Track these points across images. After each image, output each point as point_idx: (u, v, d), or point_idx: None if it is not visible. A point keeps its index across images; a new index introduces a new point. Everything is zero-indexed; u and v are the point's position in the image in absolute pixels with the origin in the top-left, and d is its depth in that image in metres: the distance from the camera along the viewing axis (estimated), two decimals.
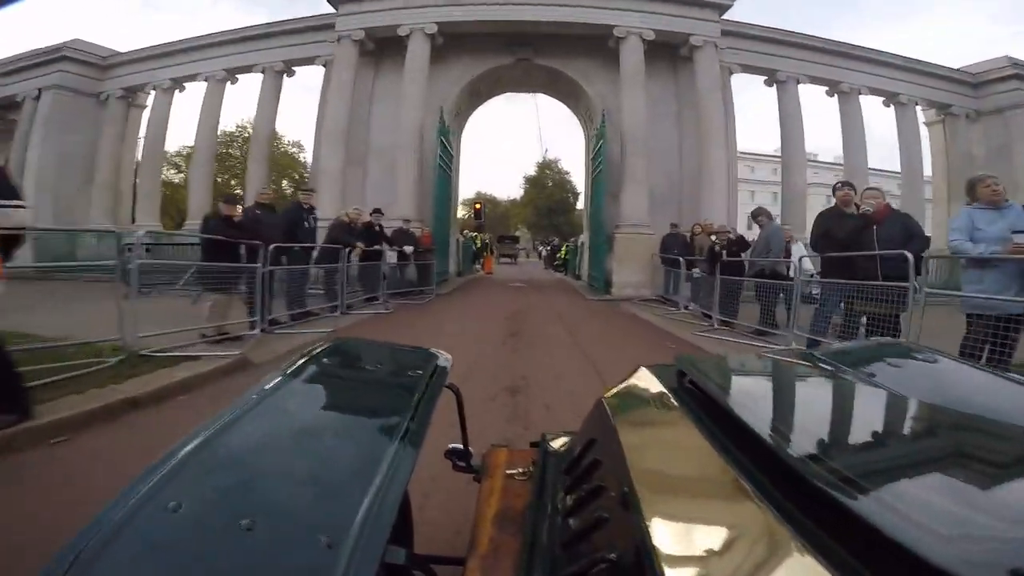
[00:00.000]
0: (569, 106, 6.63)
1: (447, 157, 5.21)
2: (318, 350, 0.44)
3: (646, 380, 0.40)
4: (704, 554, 0.20)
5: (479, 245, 9.85)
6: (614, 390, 0.41)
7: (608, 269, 4.74)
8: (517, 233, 21.33)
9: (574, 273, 7.29)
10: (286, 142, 11.45)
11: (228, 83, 6.45)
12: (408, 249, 3.89)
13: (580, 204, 19.81)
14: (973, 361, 0.56)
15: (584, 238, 6.73)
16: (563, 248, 9.91)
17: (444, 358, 0.48)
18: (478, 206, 11.77)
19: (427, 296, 4.02)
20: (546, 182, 20.95)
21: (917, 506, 0.18)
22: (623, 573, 0.22)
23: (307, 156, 9.85)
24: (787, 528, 0.18)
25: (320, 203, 4.49)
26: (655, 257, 4.36)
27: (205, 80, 6.40)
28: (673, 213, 4.99)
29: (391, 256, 3.71)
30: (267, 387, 0.36)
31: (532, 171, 21.07)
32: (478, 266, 9.77)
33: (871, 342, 0.79)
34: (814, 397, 0.38)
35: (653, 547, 0.20)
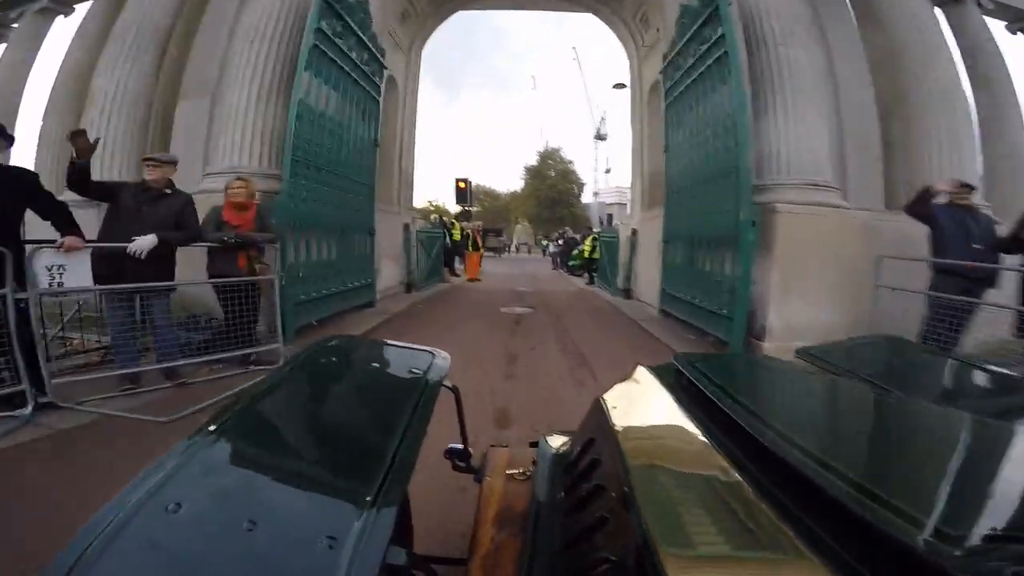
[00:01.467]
0: (605, 15, 7.31)
1: (362, 57, 4.75)
2: (317, 349, 0.78)
3: (644, 379, 0.75)
4: (704, 552, 0.41)
5: (457, 238, 10.76)
6: (612, 390, 0.76)
7: (753, 291, 3.52)
8: (518, 226, 32.14)
9: (618, 285, 7.60)
10: None
11: (60, 16, 7.34)
12: (139, 245, 2.43)
13: (585, 197, 31.66)
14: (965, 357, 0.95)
15: (637, 223, 7.15)
16: (587, 241, 10.84)
17: (443, 357, 0.83)
18: (462, 184, 13.30)
19: (254, 374, 2.75)
20: (548, 172, 33.70)
21: (917, 504, 0.36)
22: (624, 573, 0.44)
23: None
24: (785, 526, 0.37)
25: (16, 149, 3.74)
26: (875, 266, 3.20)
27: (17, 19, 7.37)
28: (854, 170, 4.41)
29: (50, 270, 2.26)
30: (267, 386, 0.67)
31: (533, 161, 33.97)
32: (460, 267, 10.82)
33: (866, 338, 1.21)
34: (810, 395, 0.72)
35: (653, 546, 0.39)
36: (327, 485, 0.55)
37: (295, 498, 0.51)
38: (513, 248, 31.56)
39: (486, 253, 14.72)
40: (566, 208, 31.88)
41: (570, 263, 13.45)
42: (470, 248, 10.80)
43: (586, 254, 11.00)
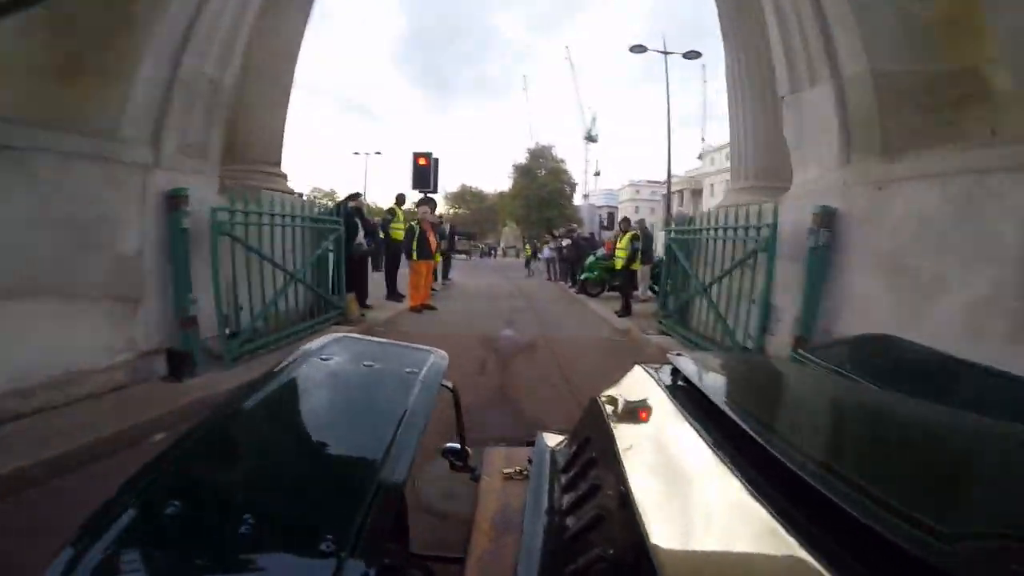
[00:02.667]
0: None
1: None
2: (315, 347, 1.30)
3: (640, 379, 1.28)
4: (700, 551, 0.74)
5: (399, 236, 11.34)
6: (609, 389, 1.29)
7: None
8: (505, 228, 45.27)
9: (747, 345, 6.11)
10: None
11: None
12: None
13: (577, 198, 59.32)
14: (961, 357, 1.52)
15: (841, 190, 5.19)
16: (623, 241, 11.40)
17: (441, 356, 1.38)
18: (423, 161, 15.64)
19: None
20: (538, 171, 52.21)
21: (912, 503, 0.64)
22: (621, 571, 0.80)
23: None
24: (781, 525, 0.64)
25: None
26: None
27: None
28: None
29: None
30: (263, 385, 1.17)
31: (523, 159, 52.82)
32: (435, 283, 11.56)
33: (863, 338, 1.83)
34: (808, 394, 1.24)
35: (650, 544, 0.72)
36: (324, 483, 0.94)
37: (292, 497, 0.89)
38: (500, 252, 45.33)
39: (459, 257, 15.33)
40: (556, 209, 46.95)
41: (583, 275, 14.40)
42: (415, 254, 10.92)
43: (618, 264, 11.62)
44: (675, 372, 1.27)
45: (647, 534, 0.75)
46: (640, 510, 0.82)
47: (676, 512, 0.85)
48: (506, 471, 1.41)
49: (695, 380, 1.18)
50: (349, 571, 0.73)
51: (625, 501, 0.88)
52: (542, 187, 47.71)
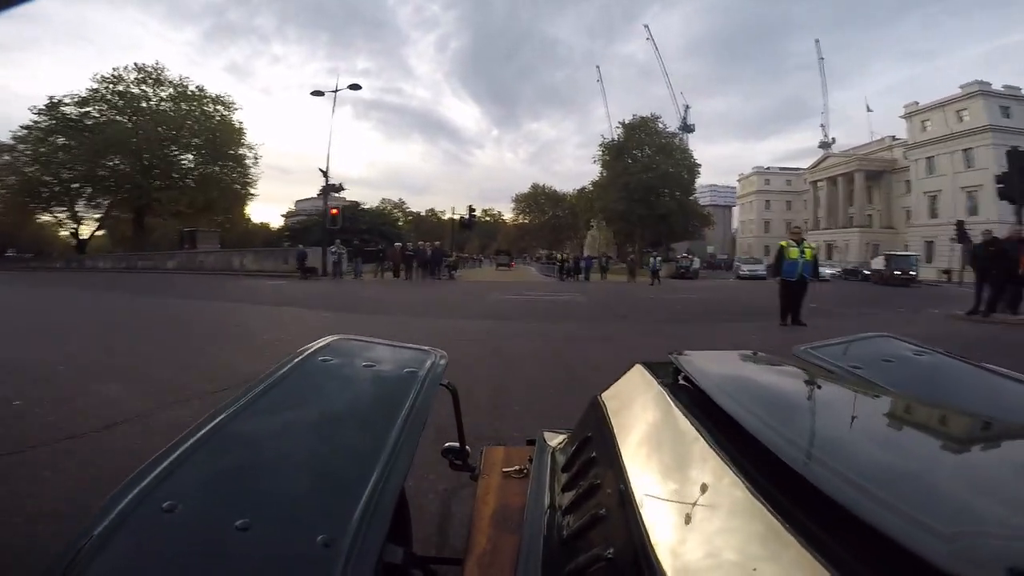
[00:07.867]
0: None
1: None
2: (314, 348, 1.35)
3: (641, 377, 1.26)
4: (700, 551, 0.70)
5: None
6: (610, 388, 1.28)
7: None
8: (589, 232, 41.46)
9: None
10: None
11: None
12: None
13: (702, 180, 36.09)
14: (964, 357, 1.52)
15: None
16: None
17: (441, 355, 1.40)
18: None
19: None
20: (636, 151, 34.11)
21: (915, 503, 0.60)
22: (621, 571, 0.76)
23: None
24: (783, 525, 0.62)
25: None
26: None
27: None
28: None
29: None
30: (262, 385, 1.23)
31: (614, 137, 35.00)
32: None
33: (865, 337, 1.86)
34: (809, 394, 1.20)
35: (650, 544, 0.72)
36: (323, 483, 0.96)
37: (291, 497, 0.90)
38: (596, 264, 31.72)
39: (499, 268, 14.72)
40: (671, 198, 34.02)
41: None
42: None
43: None
44: (676, 371, 1.27)
45: (647, 534, 0.76)
46: (640, 510, 0.83)
47: (676, 512, 0.85)
48: (506, 470, 1.43)
49: (696, 379, 1.17)
50: (349, 571, 0.74)
51: (625, 500, 0.88)
52: (647, 169, 35.48)
